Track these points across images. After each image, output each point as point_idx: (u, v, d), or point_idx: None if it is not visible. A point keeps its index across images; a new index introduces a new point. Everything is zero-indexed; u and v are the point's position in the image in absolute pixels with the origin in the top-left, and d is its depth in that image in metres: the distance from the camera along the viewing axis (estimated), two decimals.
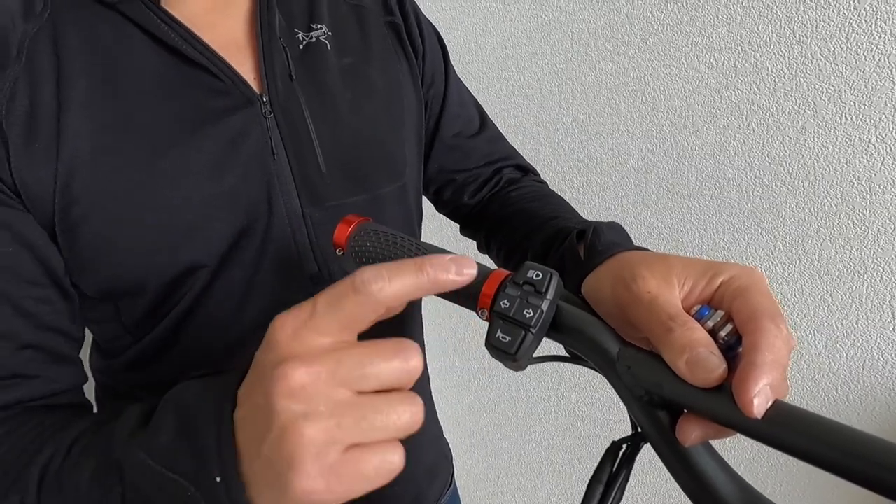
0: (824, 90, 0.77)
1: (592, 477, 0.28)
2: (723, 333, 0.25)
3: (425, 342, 0.58)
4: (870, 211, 0.77)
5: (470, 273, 0.24)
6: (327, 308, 0.23)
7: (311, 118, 0.40)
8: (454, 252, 0.32)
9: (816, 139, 0.79)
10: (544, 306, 0.26)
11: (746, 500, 0.24)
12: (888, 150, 0.75)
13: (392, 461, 0.23)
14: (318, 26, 0.42)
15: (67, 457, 0.29)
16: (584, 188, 0.99)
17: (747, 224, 0.87)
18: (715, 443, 0.26)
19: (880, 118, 0.74)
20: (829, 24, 0.74)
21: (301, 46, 0.41)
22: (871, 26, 0.72)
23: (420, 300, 0.54)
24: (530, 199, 0.50)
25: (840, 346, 0.84)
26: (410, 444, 0.52)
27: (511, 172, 0.55)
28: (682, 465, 0.25)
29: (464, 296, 0.29)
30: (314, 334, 0.22)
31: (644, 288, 0.27)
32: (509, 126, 1.03)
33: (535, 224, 0.45)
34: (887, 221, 0.77)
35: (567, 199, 0.98)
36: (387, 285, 0.22)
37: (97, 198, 0.34)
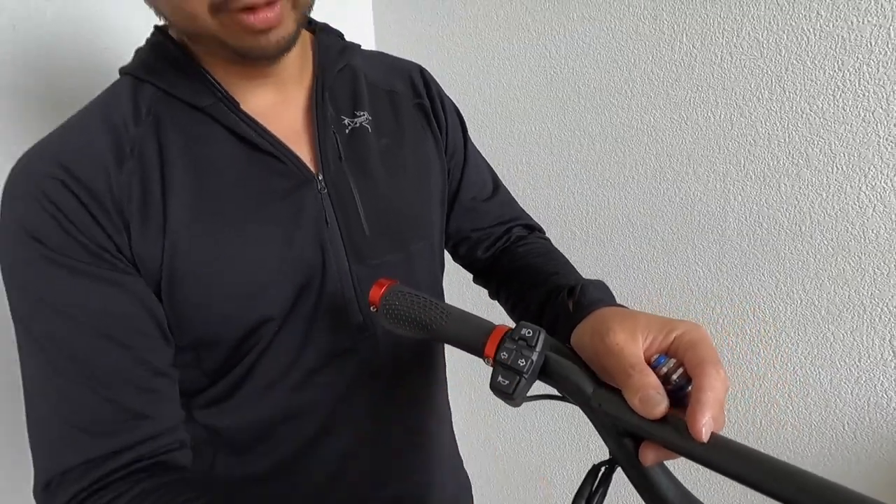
0: (815, 142, 0.82)
1: (576, 494, 0.33)
2: (674, 377, 0.32)
3: (447, 378, 0.65)
4: (864, 254, 0.82)
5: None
6: None
7: (356, 191, 0.47)
8: (471, 310, 0.39)
9: (810, 187, 0.84)
10: (534, 357, 0.33)
11: None
12: (878, 197, 0.79)
13: None
14: (361, 113, 0.50)
15: None
16: (594, 231, 1.05)
17: (749, 265, 0.91)
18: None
19: (869, 168, 0.79)
20: (816, 82, 0.80)
21: (347, 131, 0.49)
22: (854, 85, 0.78)
23: (443, 346, 0.60)
24: (535, 256, 0.57)
25: (844, 383, 0.87)
26: (434, 475, 0.58)
27: (519, 231, 0.63)
28: (642, 483, 0.31)
29: (474, 348, 0.36)
30: None
31: (614, 340, 0.33)
32: (524, 173, 1.11)
33: (539, 279, 0.53)
34: (882, 265, 0.81)
35: (578, 241, 1.05)
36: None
37: (193, 266, 0.42)
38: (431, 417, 0.58)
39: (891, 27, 0.74)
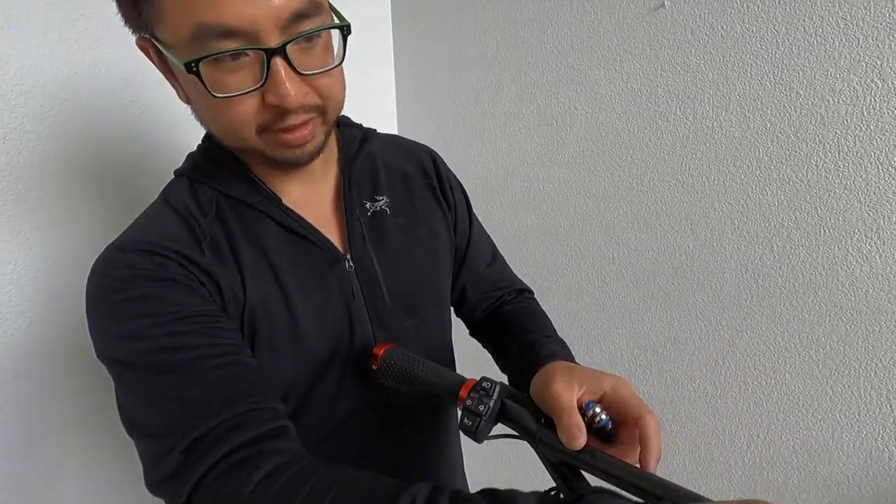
0: (803, 207, 0.89)
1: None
2: (600, 418, 0.42)
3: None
4: (856, 312, 0.86)
5: None
6: None
7: (378, 267, 0.55)
8: (457, 371, 0.48)
9: (801, 248, 0.90)
10: (491, 403, 0.43)
11: None
12: (864, 258, 0.85)
13: None
14: (381, 197, 0.58)
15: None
16: (600, 284, 1.12)
17: (748, 319, 0.96)
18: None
19: (854, 231, 0.85)
20: (799, 153, 0.88)
21: (369, 213, 0.57)
22: (834, 156, 0.85)
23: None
24: (517, 315, 0.66)
25: (846, 437, 0.89)
26: None
27: (510, 294, 0.71)
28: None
29: (449, 397, 0.45)
30: None
31: (554, 389, 0.42)
32: (535, 228, 1.19)
33: (515, 336, 0.62)
34: (873, 322, 0.85)
35: (586, 293, 1.12)
36: None
37: (262, 328, 0.49)
38: (444, 464, 0.64)
39: (864, 106, 0.82)
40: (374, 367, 0.50)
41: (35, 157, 0.76)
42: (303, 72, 0.43)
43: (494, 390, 0.44)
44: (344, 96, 0.49)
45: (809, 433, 0.93)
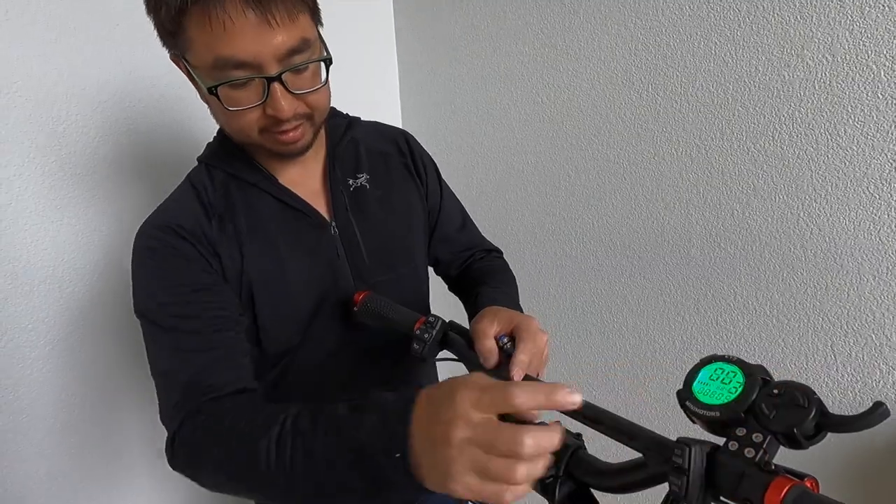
0: (759, 175, 0.96)
1: None
2: (507, 345, 0.53)
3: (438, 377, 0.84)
4: (806, 271, 0.95)
5: (571, 403, 0.36)
6: (490, 403, 0.36)
7: (358, 232, 0.67)
8: (421, 315, 0.60)
9: (758, 213, 0.98)
10: (433, 332, 0.56)
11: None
12: (814, 221, 0.92)
13: (500, 498, 0.35)
14: (361, 175, 0.70)
15: (298, 417, 0.44)
16: (581, 248, 1.22)
17: (711, 280, 1.05)
18: None
19: (805, 197, 0.93)
20: (757, 125, 0.95)
21: (351, 189, 0.69)
22: (789, 128, 0.92)
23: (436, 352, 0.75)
24: (482, 271, 0.79)
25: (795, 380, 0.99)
26: None
27: (479, 254, 0.84)
28: None
29: (407, 330, 0.58)
30: (478, 411, 0.36)
31: (479, 324, 0.54)
32: (522, 198, 1.30)
33: (474, 285, 0.75)
34: (820, 280, 0.93)
35: (568, 257, 1.23)
36: (522, 401, 0.35)
37: (256, 287, 0.61)
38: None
39: (815, 80, 0.89)
40: (354, 308, 0.63)
41: (87, 147, 0.92)
42: (295, 91, 0.55)
43: (438, 323, 0.56)
44: (328, 105, 0.62)
45: None
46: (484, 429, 0.35)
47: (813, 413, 0.33)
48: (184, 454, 0.53)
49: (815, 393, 0.34)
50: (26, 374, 0.89)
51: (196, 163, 0.69)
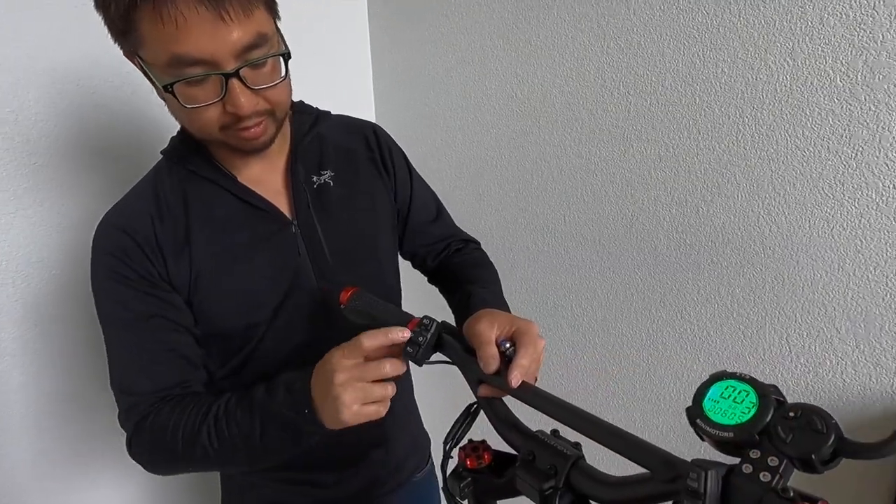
0: (724, 174, 1.00)
1: (455, 421, 0.53)
2: (509, 350, 0.52)
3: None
4: (764, 266, 0.99)
5: (402, 338, 0.54)
6: (351, 352, 0.53)
7: (321, 231, 0.67)
8: (407, 307, 0.60)
9: (722, 210, 1.01)
10: (428, 336, 0.54)
11: (509, 424, 0.49)
12: (773, 220, 0.97)
13: (379, 412, 0.54)
14: (325, 172, 0.69)
15: (227, 405, 0.58)
16: (553, 243, 1.24)
17: (677, 275, 1.09)
18: None
19: (764, 195, 0.96)
20: (723, 126, 0.98)
21: (315, 186, 0.68)
22: (752, 129, 0.96)
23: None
24: (463, 266, 0.78)
25: (753, 371, 1.03)
26: (395, 428, 0.79)
27: (457, 244, 0.83)
28: (487, 409, 0.51)
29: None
30: (347, 359, 0.53)
31: (478, 328, 0.54)
32: (496, 193, 1.31)
33: (460, 284, 0.74)
34: (778, 275, 0.98)
35: (540, 251, 1.24)
36: (370, 343, 0.53)
37: (210, 286, 0.62)
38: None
39: (777, 83, 0.92)
40: (341, 306, 0.62)
41: (46, 136, 0.87)
42: (254, 87, 0.54)
43: (433, 326, 0.55)
44: (289, 100, 0.61)
45: (722, 365, 1.06)
46: (354, 369, 0.52)
47: (832, 439, 0.32)
48: (139, 453, 0.62)
49: (832, 417, 0.33)
50: None
51: (160, 156, 0.68)
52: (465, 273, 0.77)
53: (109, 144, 0.95)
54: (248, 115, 0.55)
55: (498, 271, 0.84)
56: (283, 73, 0.57)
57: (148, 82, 0.58)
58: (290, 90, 0.61)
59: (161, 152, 0.68)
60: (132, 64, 0.57)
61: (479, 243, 0.86)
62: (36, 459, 0.92)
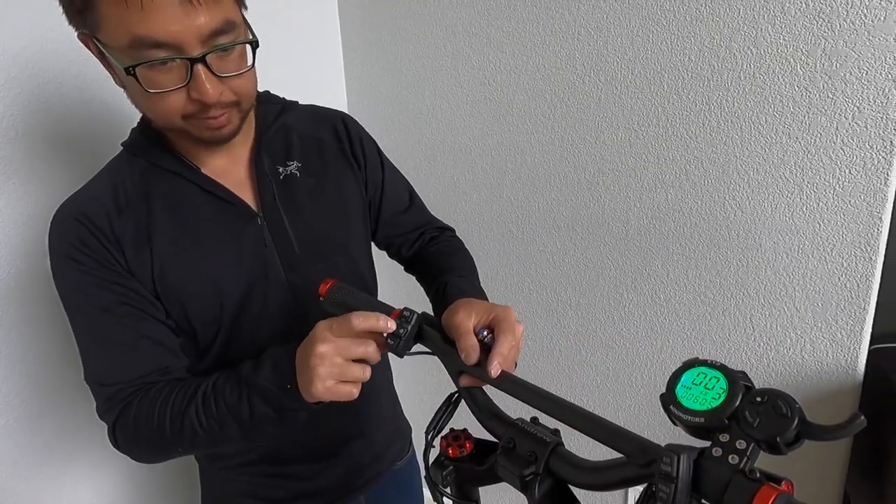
0: (691, 161, 1.02)
1: (436, 411, 0.53)
2: (488, 338, 0.52)
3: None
4: (729, 249, 1.02)
5: (390, 327, 0.53)
6: (339, 328, 0.53)
7: (287, 222, 0.65)
8: (383, 298, 0.59)
9: (689, 196, 1.04)
10: (409, 327, 0.54)
11: (489, 412, 0.50)
12: (738, 204, 1.00)
13: (352, 393, 0.54)
14: (291, 162, 0.67)
15: (215, 383, 0.58)
16: (527, 229, 1.25)
17: (647, 259, 1.12)
18: None
19: (730, 181, 0.99)
20: (690, 112, 1.00)
21: (281, 177, 0.66)
22: (717, 115, 0.98)
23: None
24: (438, 255, 0.78)
25: (719, 354, 1.07)
26: (375, 416, 0.79)
27: (431, 232, 0.83)
28: (467, 397, 0.51)
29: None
30: (332, 335, 0.53)
31: (456, 318, 0.54)
32: (469, 180, 1.30)
33: (436, 273, 0.74)
34: (742, 258, 1.01)
35: (514, 238, 1.25)
36: (360, 324, 0.52)
37: (174, 278, 0.60)
38: (372, 378, 0.77)
39: (741, 71, 0.95)
40: (321, 297, 0.61)
41: (1, 126, 0.82)
42: (220, 74, 0.53)
43: (413, 317, 0.54)
44: (255, 91, 0.60)
45: (691, 353, 1.11)
46: (338, 343, 0.52)
47: (796, 422, 0.34)
48: (124, 443, 0.61)
49: (796, 402, 0.35)
50: None
51: (120, 147, 0.65)
52: (440, 262, 0.77)
53: (69, 136, 0.91)
54: (213, 104, 0.53)
55: (473, 258, 0.84)
56: (250, 63, 0.56)
57: (105, 70, 0.55)
58: (256, 81, 0.59)
59: (121, 144, 0.65)
60: (88, 49, 0.54)
61: (453, 231, 0.86)
62: (3, 461, 0.89)
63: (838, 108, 0.89)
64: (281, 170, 0.67)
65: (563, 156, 1.16)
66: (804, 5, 0.87)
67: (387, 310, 0.57)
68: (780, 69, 0.91)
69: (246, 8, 0.57)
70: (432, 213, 0.88)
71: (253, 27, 0.59)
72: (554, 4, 1.10)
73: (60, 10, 0.53)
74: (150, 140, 0.63)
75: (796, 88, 0.91)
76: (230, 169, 0.65)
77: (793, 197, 0.95)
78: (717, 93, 0.97)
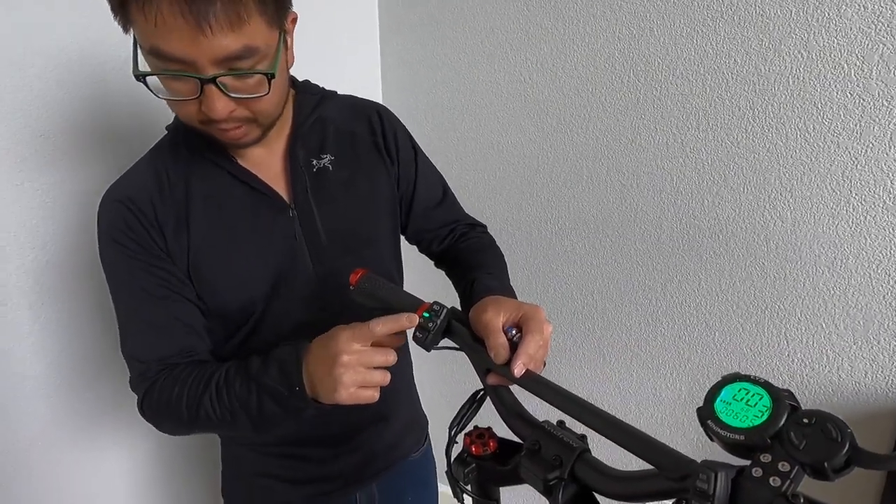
0: (731, 167, 0.99)
1: (461, 408, 0.53)
2: (516, 337, 0.52)
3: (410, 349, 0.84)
4: (767, 260, 0.99)
5: (411, 324, 0.54)
6: (361, 335, 0.54)
7: (318, 214, 0.66)
8: (414, 292, 0.59)
9: (727, 203, 1.01)
10: (438, 322, 0.53)
11: (515, 413, 0.49)
12: (778, 214, 0.96)
13: (373, 397, 0.55)
14: (325, 155, 0.68)
15: (227, 374, 0.60)
16: (556, 230, 1.23)
17: (679, 266, 1.09)
18: None
19: (771, 190, 0.96)
20: (733, 117, 0.97)
21: (314, 170, 0.67)
22: (762, 121, 0.95)
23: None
24: (469, 251, 0.77)
25: (750, 368, 1.04)
26: (393, 406, 0.78)
27: (462, 228, 0.82)
28: (493, 396, 0.51)
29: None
30: (354, 342, 0.54)
31: (485, 316, 0.53)
32: (501, 179, 1.29)
33: (465, 270, 0.73)
34: (780, 269, 0.98)
35: (544, 238, 1.23)
36: (380, 330, 0.54)
37: (206, 264, 0.62)
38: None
39: (790, 75, 0.91)
40: (351, 287, 0.61)
41: (49, 109, 0.85)
42: (233, 95, 0.53)
43: (442, 312, 0.54)
44: (275, 110, 0.59)
45: (720, 365, 1.07)
46: (361, 353, 0.54)
47: (846, 448, 0.32)
48: (150, 416, 0.65)
49: (848, 427, 0.33)
50: None
51: (165, 131, 0.67)
52: (469, 259, 0.76)
53: (114, 121, 0.93)
54: (223, 120, 0.54)
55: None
56: (268, 91, 0.55)
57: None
58: (278, 101, 0.59)
59: (166, 128, 0.67)
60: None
61: (485, 227, 0.85)
62: (45, 429, 0.92)
63: (893, 117, 0.85)
64: (315, 162, 0.68)
65: (597, 157, 1.14)
66: (862, 8, 0.83)
67: (415, 303, 0.56)
68: (832, 74, 0.88)
69: (285, 31, 0.56)
70: (464, 209, 0.87)
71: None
72: (595, 3, 1.07)
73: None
74: (189, 128, 0.63)
75: (849, 95, 0.87)
76: (266, 160, 0.66)
77: (838, 208, 0.91)
78: (762, 98, 0.94)
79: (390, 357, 0.55)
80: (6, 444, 0.87)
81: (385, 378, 0.55)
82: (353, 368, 0.53)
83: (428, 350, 0.55)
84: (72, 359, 0.93)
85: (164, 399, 0.61)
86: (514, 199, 1.28)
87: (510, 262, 0.81)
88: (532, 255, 1.28)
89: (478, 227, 0.83)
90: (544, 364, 0.52)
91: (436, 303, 0.55)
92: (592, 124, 1.13)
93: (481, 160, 1.31)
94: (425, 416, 0.89)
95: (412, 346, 0.82)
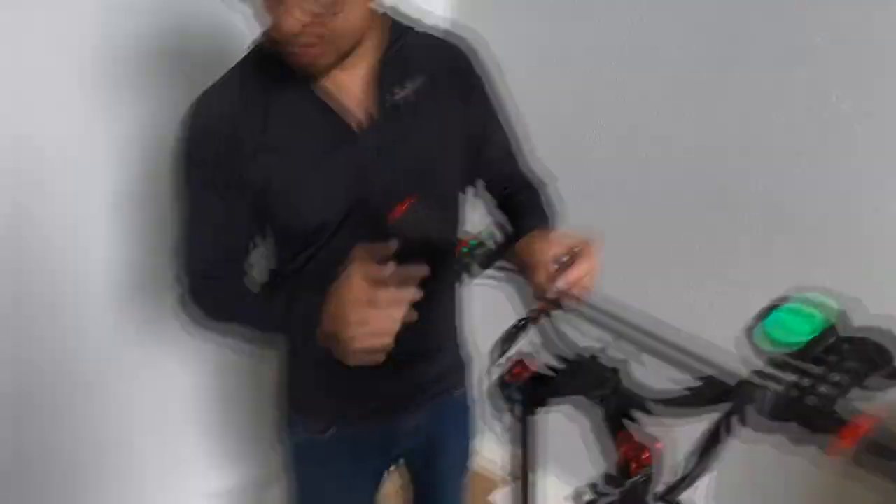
0: (835, 132, 0.89)
1: (506, 332, 0.55)
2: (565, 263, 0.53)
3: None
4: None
5: (419, 275, 0.57)
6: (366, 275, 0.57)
7: (391, 145, 0.67)
8: None
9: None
10: (485, 248, 0.57)
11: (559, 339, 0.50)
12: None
13: (385, 347, 0.57)
14: (408, 84, 0.68)
15: (261, 292, 0.69)
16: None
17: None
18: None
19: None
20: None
21: (396, 98, 0.67)
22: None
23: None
24: (523, 209, 0.78)
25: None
26: (442, 338, 0.81)
27: (520, 184, 0.82)
28: (541, 323, 0.52)
29: (450, 248, 0.60)
30: (362, 286, 0.57)
31: (536, 245, 0.55)
32: (580, 141, 1.23)
33: (519, 217, 0.76)
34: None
35: (625, 214, 1.19)
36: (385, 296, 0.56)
37: (282, 182, 0.65)
38: (440, 305, 0.78)
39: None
40: (396, 217, 0.61)
41: (129, 46, 0.95)
42: (303, 9, 0.55)
43: (490, 239, 0.57)
44: (352, 29, 0.60)
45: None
46: (367, 319, 0.55)
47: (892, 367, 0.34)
48: (185, 313, 0.71)
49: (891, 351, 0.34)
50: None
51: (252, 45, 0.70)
52: (523, 216, 0.77)
53: (189, 50, 1.00)
54: (296, 35, 0.56)
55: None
56: (342, 9, 0.56)
57: None
58: (356, 22, 0.60)
59: (253, 41, 0.68)
60: None
61: (546, 186, 0.84)
62: (115, 329, 1.06)
63: None
64: (397, 90, 0.69)
65: (684, 131, 1.07)
66: None
67: (455, 240, 0.59)
68: None
69: None
70: (533, 162, 0.86)
71: None
72: None
73: None
74: (272, 45, 0.66)
75: None
76: (348, 85, 0.67)
77: None
78: None
79: (400, 306, 0.56)
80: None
81: (394, 323, 0.56)
82: (356, 308, 0.56)
83: (472, 275, 0.57)
84: (142, 264, 1.05)
85: (215, 299, 0.69)
86: (592, 163, 1.22)
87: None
88: (615, 229, 1.22)
89: (536, 188, 0.82)
90: (590, 290, 0.53)
91: (486, 229, 0.57)
92: (679, 101, 1.06)
93: (563, 115, 1.24)
94: (470, 356, 0.89)
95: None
